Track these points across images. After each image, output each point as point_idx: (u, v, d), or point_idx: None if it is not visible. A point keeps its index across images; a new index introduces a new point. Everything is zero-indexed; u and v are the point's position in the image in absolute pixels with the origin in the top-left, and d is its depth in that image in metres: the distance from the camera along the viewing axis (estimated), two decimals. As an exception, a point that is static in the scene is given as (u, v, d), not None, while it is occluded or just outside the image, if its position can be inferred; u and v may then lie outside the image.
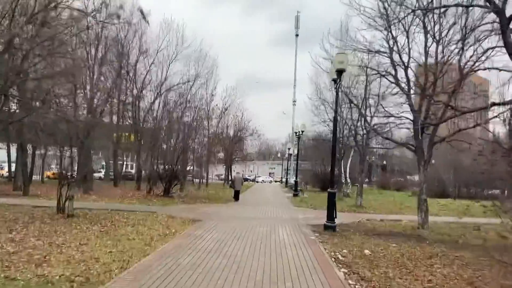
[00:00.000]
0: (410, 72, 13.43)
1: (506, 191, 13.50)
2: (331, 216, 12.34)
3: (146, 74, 33.99)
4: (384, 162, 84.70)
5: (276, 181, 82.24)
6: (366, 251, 9.54)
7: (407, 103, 13.47)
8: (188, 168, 48.76)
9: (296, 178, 31.13)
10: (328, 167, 41.34)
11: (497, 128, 15.31)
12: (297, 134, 30.21)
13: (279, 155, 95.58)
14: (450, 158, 48.15)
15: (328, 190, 12.71)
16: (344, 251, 9.50)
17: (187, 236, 10.31)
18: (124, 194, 24.27)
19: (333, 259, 8.50)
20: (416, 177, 76.63)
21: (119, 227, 11.32)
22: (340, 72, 11.98)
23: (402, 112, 13.89)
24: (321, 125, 27.86)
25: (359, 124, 22.13)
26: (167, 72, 34.45)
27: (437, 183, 41.94)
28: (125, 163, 53.13)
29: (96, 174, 53.60)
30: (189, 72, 35.55)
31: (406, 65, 13.13)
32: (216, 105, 39.14)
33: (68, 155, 17.54)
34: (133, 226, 11.66)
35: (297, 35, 70.97)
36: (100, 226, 11.33)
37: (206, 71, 35.50)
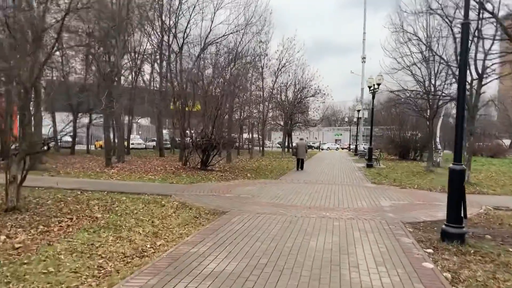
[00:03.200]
0: None
1: None
2: (456, 216, 6.48)
3: (188, 23, 29.05)
4: (471, 125, 74.32)
5: (343, 149, 75.51)
6: None
7: None
8: (245, 136, 44.11)
9: (370, 144, 24.80)
10: (406, 132, 34.43)
11: None
12: (372, 89, 23.69)
13: (346, 119, 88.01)
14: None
15: (450, 166, 6.68)
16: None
17: (170, 262, 5.14)
18: (156, 166, 19.94)
19: None
20: (507, 141, 65.94)
21: (67, 235, 6.44)
22: None
23: None
24: (402, 75, 21.09)
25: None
26: (212, 22, 29.34)
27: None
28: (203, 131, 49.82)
29: (150, 143, 51.20)
30: (238, 20, 30.12)
31: None
32: (269, 59, 33.21)
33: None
34: (95, 231, 6.73)
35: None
36: (33, 233, 6.51)
37: (258, 18, 29.71)
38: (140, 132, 66.50)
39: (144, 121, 53.31)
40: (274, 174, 18.44)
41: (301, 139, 24.37)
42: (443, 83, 18.83)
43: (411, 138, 33.75)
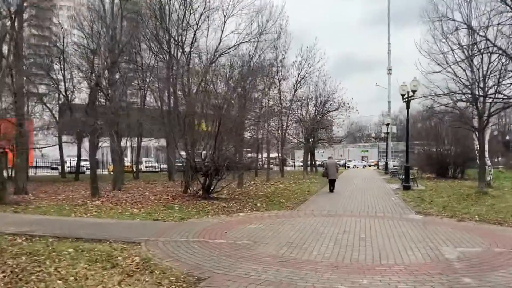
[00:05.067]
0: None
1: None
2: None
3: (195, 34, 26.49)
4: (507, 138, 69.00)
5: (370, 166, 71.12)
6: None
7: None
8: (264, 155, 40.85)
9: (407, 162, 21.09)
10: (443, 146, 30.41)
11: None
12: (406, 96, 20.14)
13: (373, 134, 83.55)
14: None
15: None
16: None
17: None
18: (154, 194, 17.01)
19: None
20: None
21: None
22: None
23: None
24: (441, 80, 17.45)
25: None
26: (222, 31, 26.66)
27: None
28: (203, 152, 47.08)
29: (165, 166, 48.46)
30: (251, 27, 27.32)
31: None
32: (286, 70, 30.23)
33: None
34: None
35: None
36: None
37: (272, 23, 26.91)
38: (157, 154, 64.28)
39: (161, 143, 50.86)
40: (291, 202, 15.09)
41: (329, 157, 21.57)
42: (497, 84, 15.24)
43: (449, 153, 29.75)
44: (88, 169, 40.46)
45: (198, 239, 8.14)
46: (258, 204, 13.90)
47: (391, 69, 57.77)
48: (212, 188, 15.37)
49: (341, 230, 9.18)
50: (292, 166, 59.09)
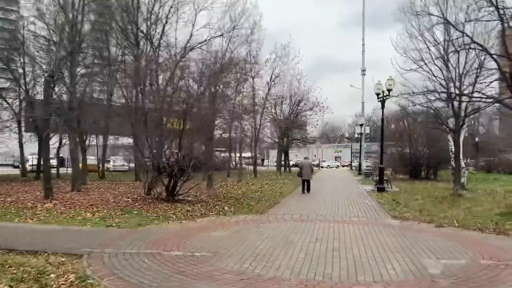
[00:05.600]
0: None
1: None
2: None
3: (164, 27, 25.35)
4: (476, 139, 70.44)
5: (343, 166, 71.29)
6: None
7: None
8: (238, 154, 39.94)
9: (381, 163, 20.59)
10: (417, 148, 30.29)
11: None
12: (381, 96, 19.62)
13: (347, 134, 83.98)
14: None
15: None
16: None
17: None
18: (115, 196, 15.79)
19: None
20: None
21: None
22: None
23: None
24: (416, 79, 17.03)
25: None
26: (193, 26, 25.62)
27: None
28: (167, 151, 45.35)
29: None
30: (223, 21, 26.43)
31: None
32: (260, 67, 29.42)
33: None
34: None
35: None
36: None
37: (245, 19, 26.08)
38: (126, 153, 62.18)
39: (125, 141, 48.99)
40: (262, 204, 14.20)
41: (305, 157, 21.16)
42: (473, 84, 14.84)
43: (423, 154, 29.63)
44: (54, 167, 38.59)
45: (151, 251, 7.12)
46: (226, 208, 12.92)
47: (365, 70, 57.58)
48: (177, 190, 14.30)
49: (312, 238, 8.34)
50: (266, 166, 58.42)
